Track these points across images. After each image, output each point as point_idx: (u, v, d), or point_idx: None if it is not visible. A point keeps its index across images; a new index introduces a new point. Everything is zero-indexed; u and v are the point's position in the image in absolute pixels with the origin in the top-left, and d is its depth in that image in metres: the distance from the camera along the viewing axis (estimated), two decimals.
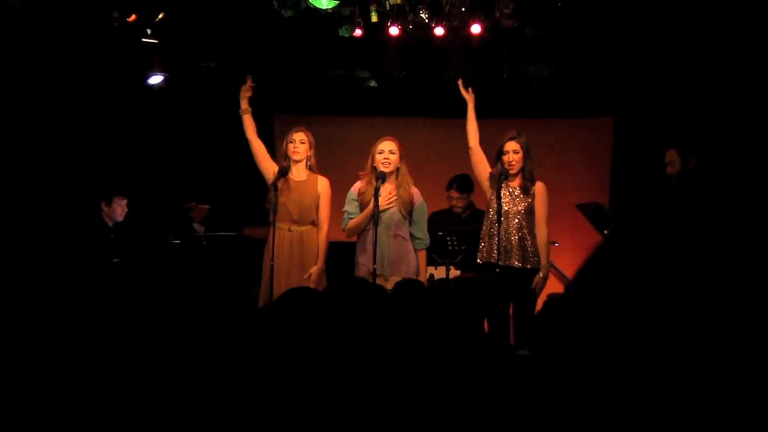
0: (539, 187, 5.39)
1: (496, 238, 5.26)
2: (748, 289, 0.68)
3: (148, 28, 6.45)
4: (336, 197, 5.59)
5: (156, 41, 6.56)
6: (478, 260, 5.38)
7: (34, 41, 6.21)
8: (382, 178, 5.20)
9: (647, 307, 0.70)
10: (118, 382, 2.34)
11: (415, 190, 5.39)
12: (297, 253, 5.37)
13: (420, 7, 6.84)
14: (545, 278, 5.31)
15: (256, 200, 5.83)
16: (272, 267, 5.23)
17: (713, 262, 0.70)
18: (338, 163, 6.73)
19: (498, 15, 6.73)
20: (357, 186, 5.40)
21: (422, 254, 5.44)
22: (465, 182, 6.47)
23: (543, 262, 5.31)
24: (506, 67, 7.97)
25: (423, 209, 5.44)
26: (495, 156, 5.43)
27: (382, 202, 5.20)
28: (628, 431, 0.69)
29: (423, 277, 5.43)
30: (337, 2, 6.32)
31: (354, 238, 5.48)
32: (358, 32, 6.95)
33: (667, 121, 7.07)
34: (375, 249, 5.11)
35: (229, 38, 7.13)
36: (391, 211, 5.29)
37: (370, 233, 5.18)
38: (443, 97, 7.93)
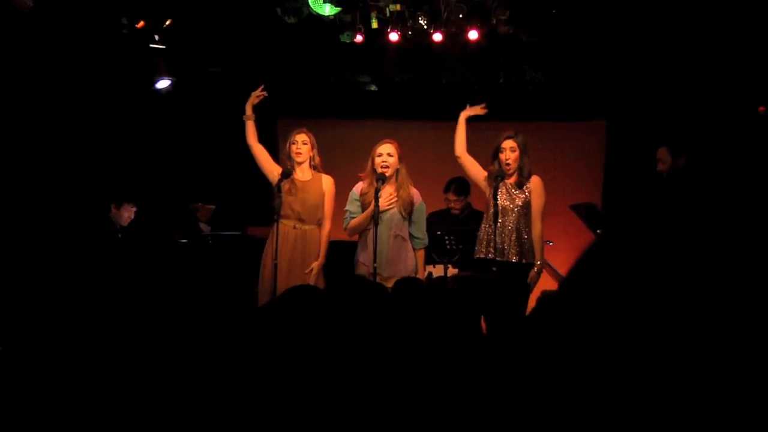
0: (535, 181, 5.37)
1: (494, 235, 5.25)
2: (737, 284, 0.68)
3: (156, 34, 6.45)
4: (337, 197, 5.58)
5: (163, 47, 6.57)
6: (477, 256, 5.36)
7: (47, 47, 6.21)
8: (382, 179, 5.20)
9: (639, 302, 0.70)
10: (124, 376, 2.34)
11: (414, 191, 5.39)
12: (300, 250, 5.36)
13: (419, 13, 6.84)
14: (539, 273, 5.30)
15: (260, 201, 5.83)
16: (275, 264, 5.21)
17: (702, 258, 0.70)
18: (339, 164, 6.72)
19: (494, 22, 6.74)
20: (359, 187, 5.40)
21: (421, 253, 5.44)
22: (462, 185, 6.47)
23: (537, 256, 5.29)
24: (502, 72, 7.98)
25: (422, 210, 5.43)
26: (492, 154, 5.43)
27: (383, 203, 5.20)
28: (619, 423, 0.68)
29: (421, 276, 5.42)
30: (339, 9, 6.32)
31: (355, 237, 5.47)
32: (359, 38, 6.96)
33: (657, 124, 7.07)
34: (375, 248, 5.11)
35: (234, 44, 7.13)
36: (391, 211, 5.29)
37: (371, 233, 5.18)
38: (441, 101, 7.95)
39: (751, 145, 6.25)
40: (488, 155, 5.50)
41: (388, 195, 5.28)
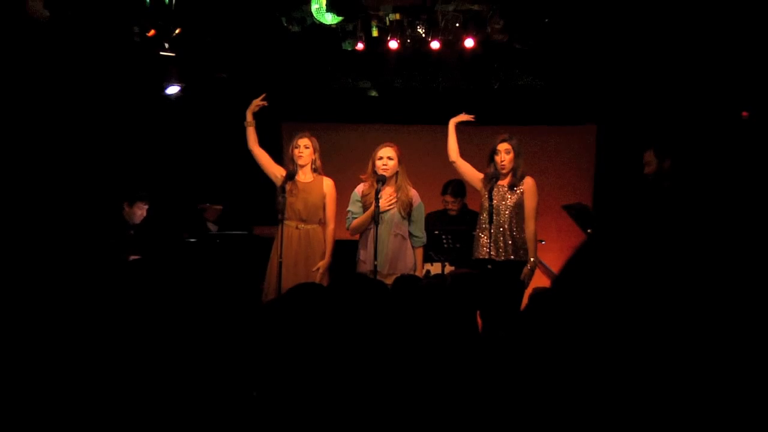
0: (528, 182, 5.39)
1: (489, 235, 5.26)
2: (721, 280, 0.69)
3: (166, 42, 6.45)
4: (339, 198, 5.59)
5: (173, 54, 6.57)
6: (475, 257, 5.37)
7: (64, 55, 6.22)
8: (382, 181, 5.21)
9: (627, 298, 0.71)
10: (134, 371, 2.34)
11: (413, 192, 5.40)
12: (303, 249, 5.37)
13: (417, 22, 6.85)
14: (533, 270, 5.31)
15: (266, 201, 5.83)
16: (280, 263, 5.24)
17: (688, 255, 0.71)
18: (341, 166, 6.73)
19: (489, 30, 6.75)
20: (360, 188, 5.41)
21: (419, 251, 5.44)
22: (459, 187, 6.47)
23: (530, 254, 5.30)
24: (497, 78, 7.98)
25: (421, 210, 5.44)
26: (488, 157, 5.44)
27: (383, 203, 5.21)
28: (610, 414, 0.69)
29: (420, 273, 5.43)
30: (341, 18, 6.32)
31: (356, 237, 5.48)
32: (360, 46, 6.97)
33: (646, 129, 7.08)
34: (376, 247, 5.12)
35: (240, 51, 7.14)
36: (391, 211, 5.30)
37: (372, 232, 5.19)
38: (439, 106, 7.95)
39: (734, 148, 6.26)
40: (483, 157, 5.51)
41: (388, 196, 5.29)
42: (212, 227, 7.36)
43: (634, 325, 0.70)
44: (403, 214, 5.31)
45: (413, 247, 5.39)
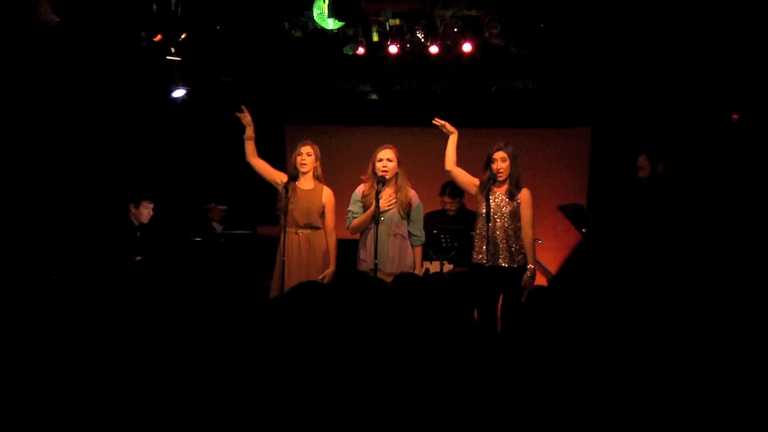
0: (525, 194, 5.38)
1: (486, 241, 5.26)
2: (712, 277, 0.69)
3: (172, 47, 6.46)
4: (340, 198, 5.60)
5: (179, 59, 6.57)
6: (473, 261, 5.37)
7: (73, 60, 6.23)
8: (382, 182, 5.22)
9: (624, 295, 0.71)
10: (143, 363, 2.35)
11: (412, 193, 5.40)
12: (305, 253, 5.40)
13: (416, 28, 6.85)
14: (533, 276, 5.30)
15: (269, 202, 5.83)
16: (283, 262, 5.26)
17: (680, 253, 0.71)
18: (342, 167, 6.73)
19: (487, 35, 6.75)
20: (361, 188, 5.41)
21: (418, 250, 5.44)
22: (456, 188, 6.46)
23: (530, 261, 5.29)
24: (494, 82, 7.98)
25: (420, 209, 5.44)
26: (485, 164, 5.44)
27: (383, 204, 5.21)
28: (606, 407, 0.69)
29: (419, 271, 5.43)
30: (342, 24, 6.32)
31: (356, 236, 5.48)
32: (360, 50, 6.97)
33: (638, 131, 7.08)
34: (376, 246, 5.12)
35: (244, 56, 7.13)
36: (391, 212, 5.30)
37: (372, 231, 5.19)
38: (437, 109, 7.94)
39: (725, 151, 6.26)
40: (480, 159, 5.51)
41: (387, 196, 5.29)
42: (217, 227, 7.36)
43: (629, 321, 0.70)
44: (402, 214, 5.32)
45: (412, 245, 5.39)
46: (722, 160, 6.09)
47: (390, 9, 6.79)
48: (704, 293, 0.69)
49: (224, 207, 7.50)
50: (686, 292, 0.69)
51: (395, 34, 6.91)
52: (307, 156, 5.46)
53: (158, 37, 6.29)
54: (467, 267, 5.43)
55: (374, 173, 5.29)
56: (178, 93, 6.90)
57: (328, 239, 5.45)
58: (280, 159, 7.01)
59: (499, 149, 5.38)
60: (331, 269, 5.39)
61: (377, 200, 5.13)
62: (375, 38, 6.90)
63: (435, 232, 5.88)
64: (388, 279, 4.41)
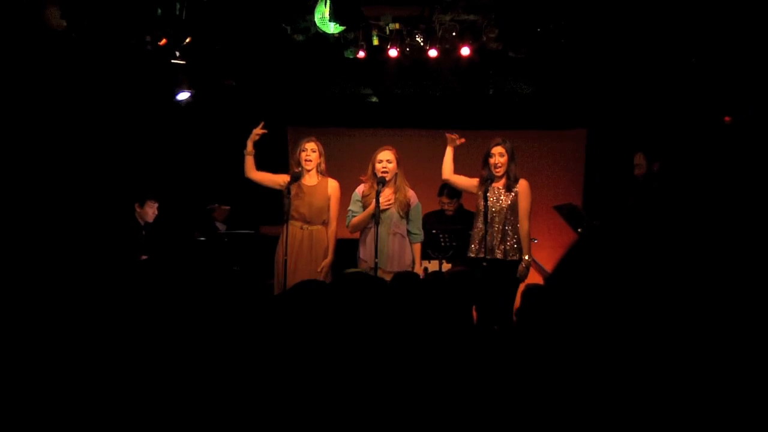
0: (522, 184, 5.39)
1: (484, 235, 5.26)
2: (708, 277, 0.68)
3: (177, 50, 6.46)
4: (341, 198, 5.59)
5: (184, 62, 6.57)
6: (469, 255, 5.37)
7: (80, 63, 6.23)
8: (382, 182, 5.22)
9: (619, 294, 0.70)
10: (147, 360, 2.34)
11: (411, 193, 5.41)
12: (307, 248, 5.37)
13: (416, 32, 6.86)
14: (527, 267, 5.30)
15: (272, 202, 5.83)
16: (285, 261, 5.23)
17: (677, 254, 0.70)
18: (343, 168, 6.72)
19: (485, 39, 6.75)
20: (361, 188, 5.41)
21: (417, 247, 5.45)
22: (454, 189, 6.46)
23: (525, 252, 5.29)
24: (492, 85, 7.98)
25: (418, 209, 5.45)
26: (483, 160, 5.45)
27: (382, 203, 5.21)
28: (604, 408, 0.68)
29: (418, 269, 5.43)
30: (343, 28, 6.32)
31: (356, 235, 5.48)
32: (361, 54, 6.97)
33: (634, 133, 7.09)
34: (376, 245, 5.12)
35: (247, 59, 7.13)
36: (390, 211, 5.30)
37: (372, 231, 5.19)
38: (436, 111, 7.96)
39: (719, 150, 6.26)
40: (478, 160, 5.51)
41: (386, 196, 5.29)
42: (221, 227, 7.36)
43: (626, 321, 0.69)
44: (401, 213, 5.32)
45: (411, 242, 5.40)
46: (716, 159, 6.09)
47: (390, 13, 6.79)
48: (703, 292, 0.68)
49: (228, 207, 7.50)
50: (685, 292, 0.69)
51: (395, 38, 6.92)
52: (311, 152, 5.44)
53: (163, 41, 6.29)
54: (464, 261, 5.45)
55: (374, 174, 5.29)
56: (183, 96, 6.90)
57: (328, 229, 5.42)
58: (283, 159, 7.01)
59: (497, 144, 5.39)
60: (328, 259, 5.35)
61: (377, 200, 5.14)
62: (375, 42, 6.90)
63: (434, 231, 5.88)
64: (388, 277, 4.41)
